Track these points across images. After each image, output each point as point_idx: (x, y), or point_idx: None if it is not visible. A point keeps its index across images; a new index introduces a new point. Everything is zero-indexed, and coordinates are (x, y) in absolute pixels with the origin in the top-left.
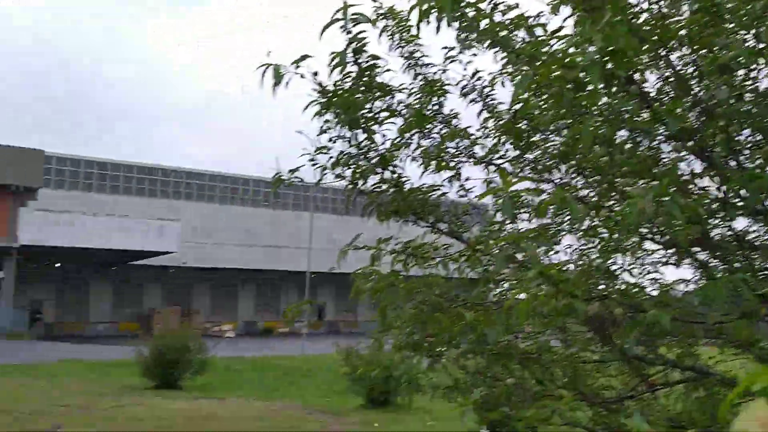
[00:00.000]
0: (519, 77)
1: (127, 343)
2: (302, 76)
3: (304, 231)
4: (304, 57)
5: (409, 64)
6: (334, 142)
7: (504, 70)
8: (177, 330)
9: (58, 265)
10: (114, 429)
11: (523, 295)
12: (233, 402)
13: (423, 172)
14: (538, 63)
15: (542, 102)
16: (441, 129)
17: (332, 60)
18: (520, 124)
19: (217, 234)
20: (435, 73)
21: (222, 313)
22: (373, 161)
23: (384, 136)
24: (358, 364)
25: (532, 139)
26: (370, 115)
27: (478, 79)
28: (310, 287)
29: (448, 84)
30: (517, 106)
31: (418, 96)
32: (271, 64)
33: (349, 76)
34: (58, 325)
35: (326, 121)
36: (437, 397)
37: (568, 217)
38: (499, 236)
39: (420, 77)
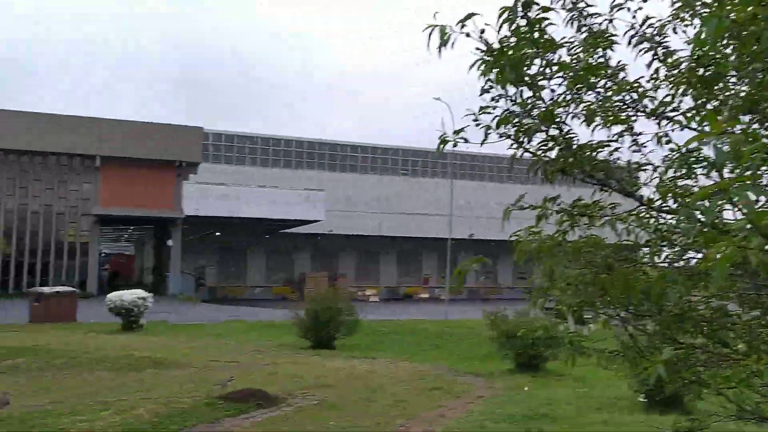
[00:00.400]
0: (704, 19)
1: (280, 306)
2: (468, 35)
3: (444, 198)
4: (470, 15)
5: (573, 16)
6: (497, 101)
7: (677, 13)
8: (330, 293)
9: (218, 234)
10: (278, 383)
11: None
12: (384, 362)
13: (593, 128)
14: (728, 5)
15: (729, 45)
16: (606, 83)
17: (501, 15)
18: (702, 72)
19: (360, 203)
20: (600, 23)
21: (366, 279)
22: (539, 118)
23: (553, 91)
24: (506, 328)
25: (715, 88)
26: (537, 70)
27: (649, 26)
28: (450, 253)
29: (615, 35)
30: (700, 52)
31: (583, 49)
32: (437, 25)
33: (518, 32)
34: (220, 289)
35: (489, 80)
36: (600, 361)
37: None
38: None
39: (585, 29)
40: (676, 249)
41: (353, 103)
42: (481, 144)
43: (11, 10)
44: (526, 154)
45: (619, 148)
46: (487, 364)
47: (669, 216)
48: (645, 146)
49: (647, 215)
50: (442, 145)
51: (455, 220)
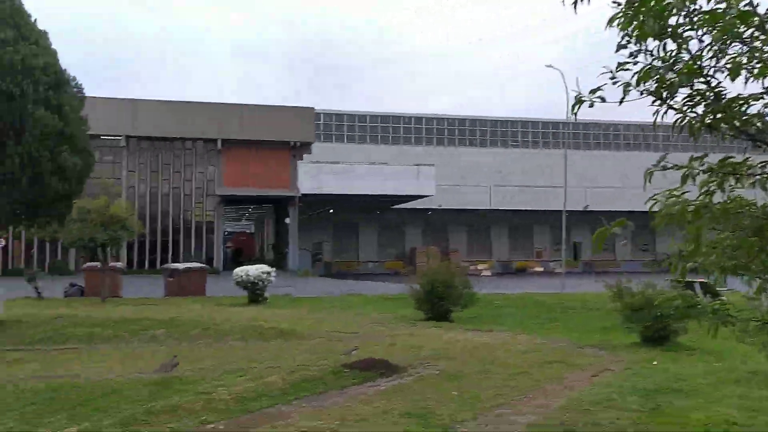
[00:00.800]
0: None
1: (393, 281)
2: None
3: (556, 169)
4: None
5: None
6: (636, 56)
7: None
8: (444, 267)
9: (331, 211)
10: (398, 354)
11: None
12: (502, 334)
13: (741, 81)
14: None
15: None
16: (753, 33)
17: None
18: None
19: (470, 176)
20: None
21: (477, 253)
22: (684, 72)
23: (701, 41)
24: (632, 300)
25: None
26: (681, 21)
27: None
28: (564, 225)
29: None
30: None
31: None
32: None
33: None
34: (334, 264)
35: (626, 35)
36: (741, 333)
37: None
38: None
39: None
40: None
41: (459, 76)
42: (620, 103)
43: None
44: (669, 111)
45: None
46: (608, 337)
47: None
48: None
49: None
50: (577, 106)
51: (569, 191)
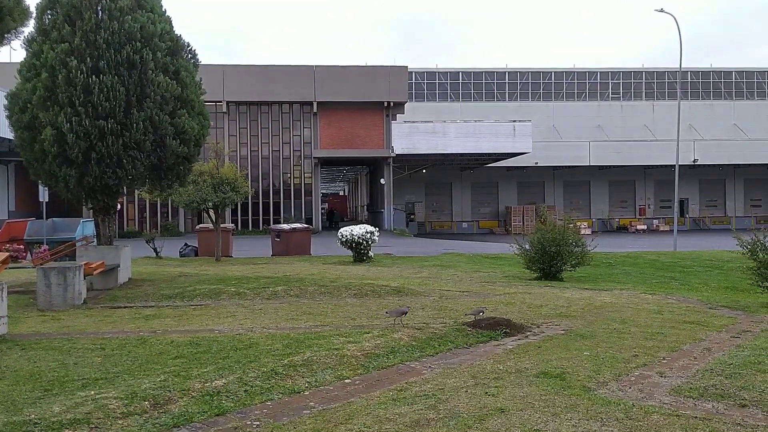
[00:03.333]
0: None
1: (490, 239)
2: None
3: (660, 122)
4: None
5: None
6: None
7: None
8: (555, 224)
9: (425, 170)
10: (517, 313)
11: None
12: (624, 293)
13: None
14: None
15: None
16: None
17: None
18: None
19: (567, 131)
20: None
21: (575, 211)
22: None
23: None
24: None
25: None
26: None
27: None
28: (669, 182)
29: None
30: None
31: None
32: None
33: None
34: (428, 223)
35: None
36: None
37: None
38: None
39: None
40: None
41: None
42: None
43: None
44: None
45: None
46: (737, 296)
47: None
48: None
49: None
50: None
51: (677, 144)
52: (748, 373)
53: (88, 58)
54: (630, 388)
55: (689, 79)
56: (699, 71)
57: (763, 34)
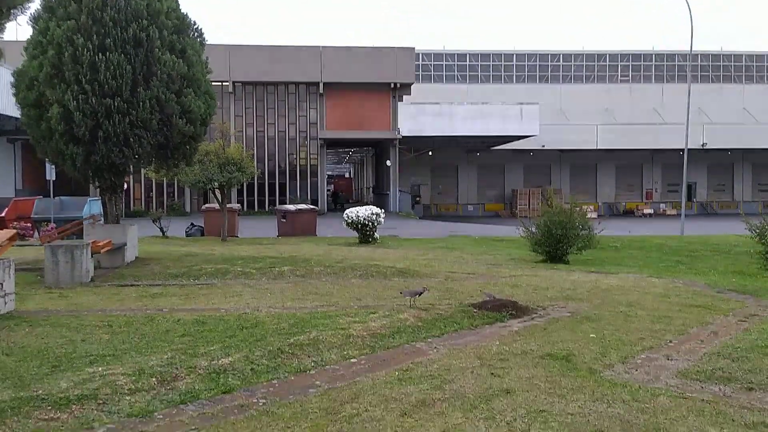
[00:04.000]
0: None
1: (496, 222)
2: None
3: (669, 105)
4: None
5: None
6: None
7: None
8: (562, 207)
9: (431, 152)
10: (523, 295)
11: None
12: (631, 277)
13: None
14: None
15: None
16: None
17: None
18: None
19: (574, 114)
20: None
21: (582, 194)
22: None
23: None
24: None
25: None
26: None
27: None
28: (677, 166)
29: None
30: None
31: None
32: None
33: None
34: (434, 206)
35: None
36: None
37: None
38: None
39: None
40: None
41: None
42: None
43: None
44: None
45: None
46: (745, 281)
47: None
48: None
49: None
50: None
51: (687, 128)
52: (755, 356)
53: (95, 36)
54: (636, 370)
55: (699, 63)
56: (709, 54)
57: None
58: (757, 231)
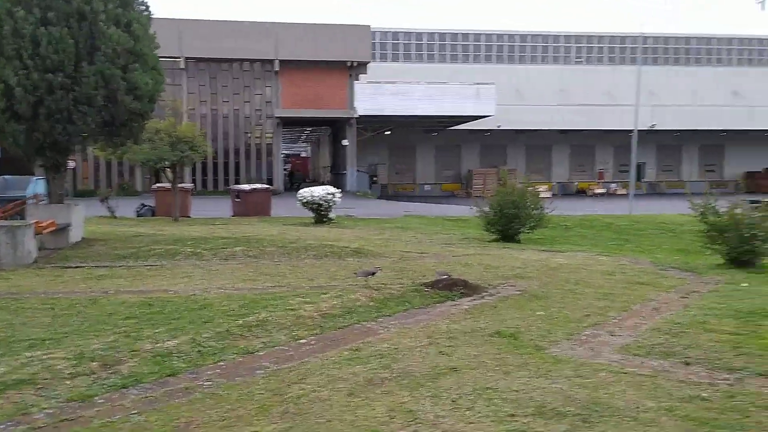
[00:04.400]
0: None
1: (452, 202)
2: None
3: (622, 86)
4: None
5: None
6: None
7: None
8: (514, 187)
9: (388, 132)
10: (475, 274)
11: None
12: (580, 255)
13: None
14: None
15: None
16: None
17: None
18: None
19: (530, 95)
20: None
21: (536, 174)
22: None
23: None
24: (717, 220)
25: None
26: None
27: None
28: (628, 147)
29: None
30: None
31: None
32: None
33: None
34: (391, 186)
35: None
36: None
37: None
38: None
39: None
40: None
41: None
42: None
43: None
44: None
45: None
46: (688, 258)
47: None
48: None
49: None
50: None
51: (637, 109)
52: (694, 332)
53: (36, 9)
54: (580, 346)
55: (650, 45)
56: (660, 37)
57: None
58: (700, 210)
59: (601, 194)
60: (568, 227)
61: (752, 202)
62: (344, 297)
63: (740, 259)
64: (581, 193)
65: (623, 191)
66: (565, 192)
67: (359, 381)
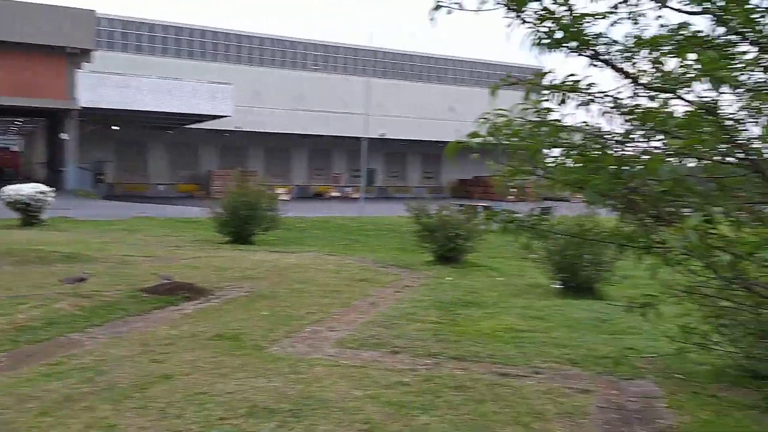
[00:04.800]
0: None
1: (188, 204)
2: None
3: (355, 95)
4: None
5: None
6: None
7: None
8: (248, 188)
9: (117, 127)
10: (202, 276)
11: None
12: (309, 255)
13: None
14: None
15: None
16: None
17: None
18: None
19: (269, 98)
20: None
21: (276, 177)
22: None
23: None
24: (428, 221)
25: None
26: None
27: None
28: (359, 152)
29: None
30: None
31: None
32: None
33: None
34: (119, 185)
35: None
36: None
37: None
38: None
39: None
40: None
41: None
42: (477, 11)
43: None
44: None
45: (618, 20)
46: (406, 256)
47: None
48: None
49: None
50: (435, 11)
51: (367, 119)
52: (403, 323)
53: None
54: (300, 343)
55: (380, 59)
56: (389, 52)
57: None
58: (414, 213)
59: (337, 197)
60: (303, 229)
61: (460, 205)
62: (47, 307)
63: (447, 256)
64: (319, 196)
65: (356, 195)
66: (303, 195)
67: (55, 398)
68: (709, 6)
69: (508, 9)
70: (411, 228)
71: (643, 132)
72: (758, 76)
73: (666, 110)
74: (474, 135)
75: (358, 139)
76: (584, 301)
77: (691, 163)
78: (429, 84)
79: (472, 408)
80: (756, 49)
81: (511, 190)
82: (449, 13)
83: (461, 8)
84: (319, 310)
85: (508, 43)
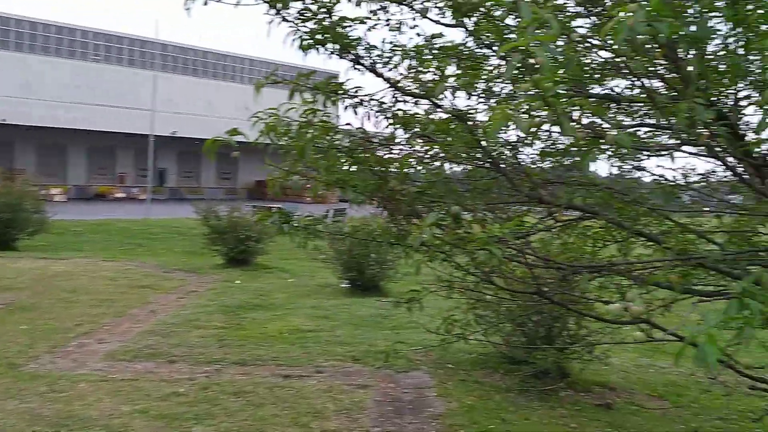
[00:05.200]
0: None
1: None
2: None
3: (142, 91)
4: None
5: None
6: None
7: None
8: (10, 189)
9: None
10: None
11: None
12: (83, 261)
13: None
14: None
15: None
16: None
17: None
18: None
19: (43, 89)
20: None
21: (50, 176)
22: None
23: None
24: (218, 224)
25: None
26: None
27: None
28: (147, 151)
29: None
30: None
31: None
32: None
33: None
34: None
35: None
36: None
37: None
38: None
39: None
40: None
41: None
42: (236, 5)
43: None
44: (283, 24)
45: (376, 25)
46: (194, 260)
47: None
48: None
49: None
50: (192, 1)
51: (157, 115)
52: (184, 330)
53: None
54: (64, 359)
55: (170, 53)
56: (179, 46)
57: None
58: (203, 214)
59: (122, 199)
60: (79, 233)
61: (254, 207)
62: None
63: (237, 258)
64: (101, 197)
65: (144, 196)
66: (83, 196)
67: None
68: (464, 21)
69: (270, 6)
70: (200, 230)
71: (408, 135)
72: (509, 88)
73: (426, 116)
74: (233, 132)
75: (145, 136)
76: (369, 299)
77: (456, 167)
78: (223, 82)
79: (251, 413)
80: (504, 62)
81: (286, 190)
82: (205, 4)
83: (219, 1)
84: (89, 321)
85: (269, 40)
